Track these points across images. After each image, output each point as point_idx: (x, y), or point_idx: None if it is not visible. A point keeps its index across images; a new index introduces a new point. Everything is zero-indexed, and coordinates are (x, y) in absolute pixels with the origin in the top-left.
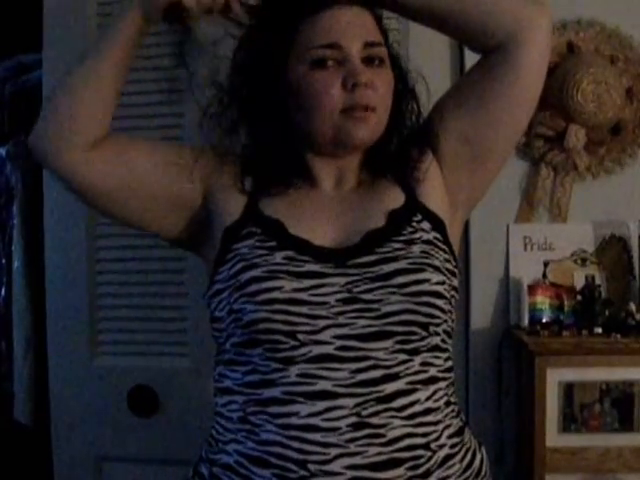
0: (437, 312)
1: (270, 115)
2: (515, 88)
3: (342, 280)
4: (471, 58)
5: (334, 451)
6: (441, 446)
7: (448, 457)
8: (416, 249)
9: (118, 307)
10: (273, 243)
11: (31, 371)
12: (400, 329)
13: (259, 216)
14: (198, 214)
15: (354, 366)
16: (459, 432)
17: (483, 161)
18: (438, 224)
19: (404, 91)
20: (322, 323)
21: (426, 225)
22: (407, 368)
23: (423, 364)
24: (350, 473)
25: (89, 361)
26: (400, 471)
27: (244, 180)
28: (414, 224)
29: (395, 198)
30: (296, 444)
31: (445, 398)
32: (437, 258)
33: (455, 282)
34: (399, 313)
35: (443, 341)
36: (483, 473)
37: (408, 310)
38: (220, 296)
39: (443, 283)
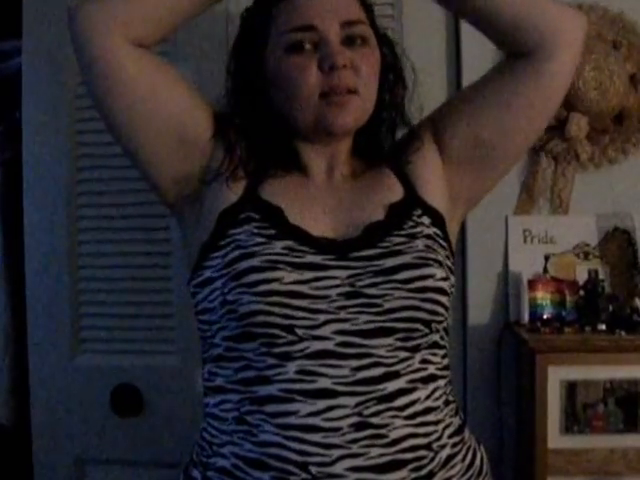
0: (440, 309)
1: (254, 102)
2: (540, 96)
3: (344, 273)
4: (468, 36)
5: (336, 452)
6: (443, 446)
7: (450, 457)
8: (419, 243)
9: (101, 303)
10: (272, 231)
11: (11, 370)
12: (402, 326)
13: (258, 200)
14: (195, 171)
15: (355, 363)
16: (459, 431)
17: (493, 165)
18: (438, 220)
19: (394, 70)
20: (322, 318)
21: (426, 220)
22: (408, 366)
23: (422, 362)
24: (353, 475)
25: (71, 359)
26: (404, 473)
27: (248, 163)
28: (414, 218)
29: (393, 191)
30: (296, 445)
31: (444, 397)
32: (439, 253)
33: (453, 279)
34: (402, 309)
35: (442, 338)
36: (484, 472)
37: (412, 307)
38: (212, 285)
39: (446, 279)
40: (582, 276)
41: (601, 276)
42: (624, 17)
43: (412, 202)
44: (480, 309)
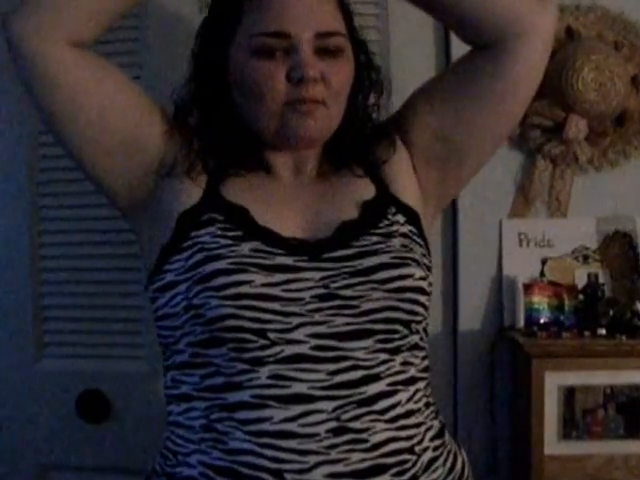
0: (420, 309)
1: (215, 99)
2: (504, 90)
3: (317, 275)
4: (458, 44)
5: (313, 459)
6: (425, 449)
7: (432, 460)
8: (396, 242)
9: (65, 306)
10: (239, 232)
11: None
12: (381, 327)
13: (221, 201)
14: (146, 171)
15: (332, 367)
16: (440, 434)
17: (459, 161)
18: (412, 217)
19: (369, 78)
20: (295, 321)
21: (401, 218)
22: (388, 368)
23: (403, 364)
24: None
25: (34, 364)
26: (386, 478)
27: (207, 160)
28: (389, 217)
29: (365, 189)
30: (270, 452)
31: (425, 399)
32: (416, 252)
33: (431, 278)
34: (381, 310)
35: (421, 339)
36: (466, 476)
37: (390, 307)
38: (174, 289)
39: (425, 278)
40: (581, 280)
41: (601, 280)
42: (625, 18)
43: (385, 200)
44: (472, 314)
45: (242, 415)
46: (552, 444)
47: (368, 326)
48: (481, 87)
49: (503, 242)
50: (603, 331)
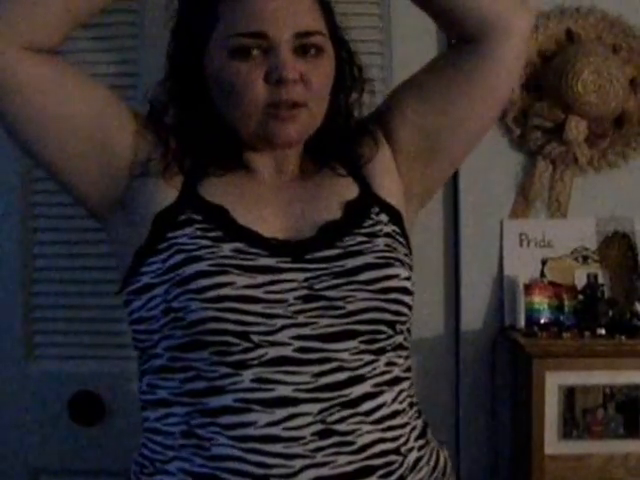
0: (405, 309)
1: (194, 102)
2: (487, 84)
3: (301, 276)
4: None
5: (299, 463)
6: (410, 449)
7: (418, 460)
8: (380, 242)
9: (57, 307)
10: (219, 233)
11: None
12: (366, 328)
13: (199, 200)
14: (118, 173)
15: (316, 369)
16: (424, 433)
17: (441, 157)
18: (395, 216)
19: (351, 76)
20: (279, 323)
21: (384, 217)
22: (373, 369)
23: (388, 364)
24: None
25: (25, 365)
26: (373, 479)
27: (183, 159)
28: (373, 216)
29: (348, 189)
30: (255, 457)
31: (409, 399)
32: (400, 252)
33: (414, 277)
34: (366, 311)
35: (405, 339)
36: (448, 473)
37: (376, 308)
38: (151, 292)
39: (409, 278)
40: (581, 280)
41: (601, 280)
42: (623, 20)
43: (368, 199)
44: (474, 314)
45: (225, 420)
46: (552, 444)
47: (353, 327)
48: (463, 83)
49: (504, 242)
50: (603, 331)
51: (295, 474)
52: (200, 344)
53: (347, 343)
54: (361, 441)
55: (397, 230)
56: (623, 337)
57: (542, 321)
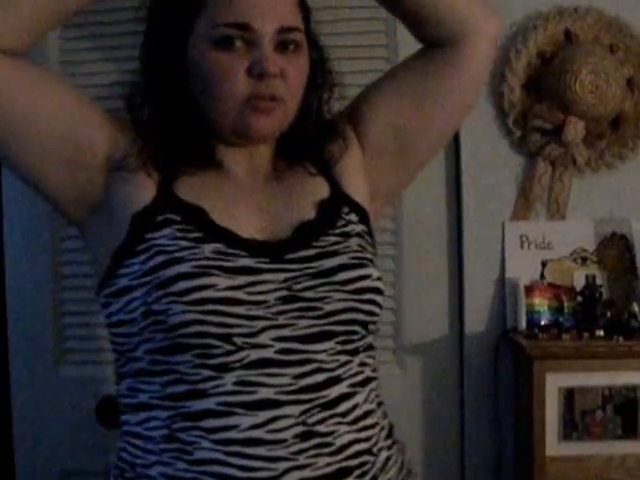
0: (377, 309)
1: (170, 94)
2: (457, 85)
3: (280, 276)
4: None
5: (282, 465)
6: (380, 449)
7: (387, 460)
8: (353, 243)
9: (85, 313)
10: (198, 234)
11: None
12: (342, 329)
13: (176, 201)
14: (94, 174)
15: (297, 371)
16: (391, 433)
17: (409, 157)
18: (363, 216)
19: (322, 76)
20: (260, 324)
21: (354, 217)
22: (348, 370)
23: (360, 364)
24: None
25: (54, 370)
26: None
27: (158, 158)
28: (344, 216)
29: (320, 188)
30: (238, 461)
31: (377, 399)
32: (369, 252)
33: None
34: (342, 312)
35: (374, 339)
36: (413, 472)
37: (351, 309)
38: (130, 295)
39: (380, 278)
40: (579, 282)
41: (599, 282)
42: (620, 20)
43: (339, 199)
44: (477, 316)
45: (208, 424)
46: (553, 445)
47: (330, 328)
48: (434, 84)
49: (506, 244)
50: (601, 332)
51: (279, 477)
52: (182, 347)
53: (325, 344)
54: (339, 442)
55: (365, 229)
56: (621, 338)
57: (542, 323)
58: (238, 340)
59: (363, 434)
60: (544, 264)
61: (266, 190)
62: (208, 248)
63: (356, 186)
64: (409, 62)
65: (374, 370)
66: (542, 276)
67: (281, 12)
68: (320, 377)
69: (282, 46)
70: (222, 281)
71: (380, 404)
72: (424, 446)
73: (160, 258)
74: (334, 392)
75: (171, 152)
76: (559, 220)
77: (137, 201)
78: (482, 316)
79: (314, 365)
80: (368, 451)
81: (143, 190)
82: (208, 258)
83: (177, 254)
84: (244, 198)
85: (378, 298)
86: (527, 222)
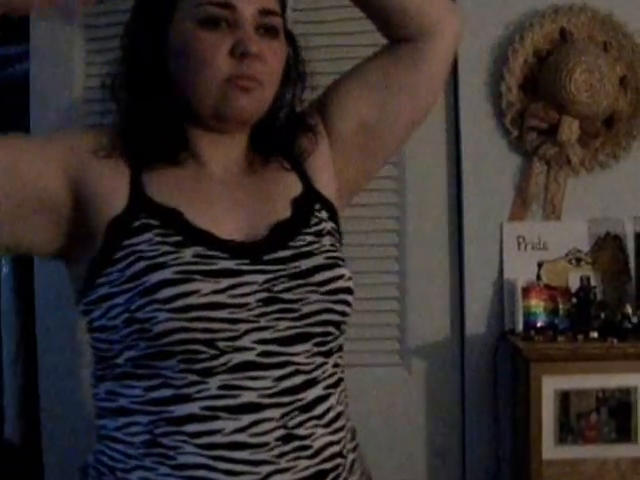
0: (349, 309)
1: (150, 77)
2: (421, 80)
3: (260, 278)
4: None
5: (265, 469)
6: (348, 451)
7: (353, 462)
8: (326, 242)
9: None
10: (178, 238)
11: (21, 382)
12: (318, 330)
13: (150, 204)
14: (69, 213)
15: (277, 373)
16: (354, 436)
17: (375, 152)
18: (332, 213)
19: (295, 68)
20: (243, 327)
21: (324, 214)
22: (323, 372)
23: (334, 366)
24: None
25: (81, 371)
26: None
27: (124, 160)
28: (316, 214)
29: (293, 184)
30: (223, 465)
31: (345, 400)
32: (340, 250)
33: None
34: (318, 313)
35: (343, 340)
36: (368, 473)
37: (327, 309)
38: (110, 302)
39: (351, 278)
40: (574, 283)
41: (593, 283)
42: (613, 18)
43: (311, 196)
44: (477, 318)
45: (192, 428)
46: (550, 449)
47: (307, 329)
48: (402, 79)
49: (504, 245)
50: (595, 334)
51: None
52: (167, 354)
53: (302, 346)
54: (317, 445)
55: (334, 227)
56: (615, 340)
57: (538, 325)
58: (221, 344)
59: (336, 436)
60: (540, 265)
61: (242, 185)
62: (189, 252)
63: (326, 182)
64: (377, 58)
65: (343, 371)
66: (538, 277)
67: None
68: (298, 379)
69: (262, 29)
70: (205, 286)
71: (347, 405)
72: (427, 446)
73: (141, 264)
74: (311, 394)
75: (144, 143)
76: (554, 220)
77: (110, 208)
78: (482, 318)
79: (293, 367)
80: (340, 454)
81: (114, 195)
82: (190, 262)
83: (159, 259)
84: (220, 195)
85: (349, 298)
86: (524, 223)
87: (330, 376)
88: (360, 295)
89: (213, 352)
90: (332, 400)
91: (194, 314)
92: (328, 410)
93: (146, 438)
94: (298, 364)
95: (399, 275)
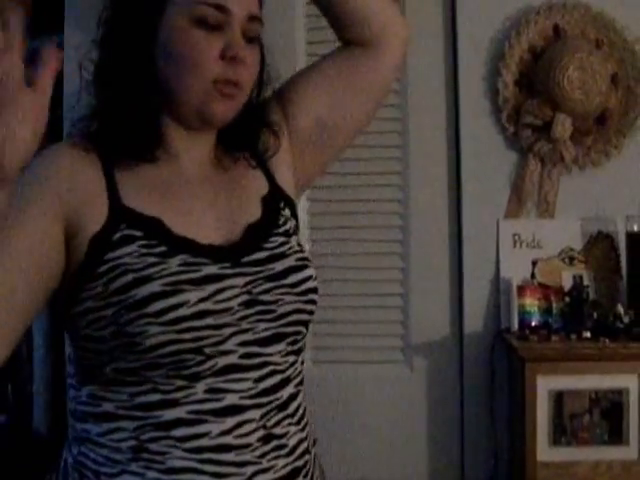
0: (314, 308)
1: (133, 64)
2: (374, 81)
3: (241, 281)
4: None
5: (250, 469)
6: (311, 446)
7: (315, 458)
8: (294, 242)
9: None
10: (163, 248)
11: (51, 372)
12: (291, 330)
13: (130, 214)
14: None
15: (256, 374)
16: (312, 431)
17: (328, 150)
18: (293, 210)
19: (261, 73)
20: (227, 331)
21: (288, 212)
22: (294, 370)
23: (301, 363)
24: None
25: None
26: None
27: (96, 162)
28: (282, 212)
29: (260, 182)
30: (210, 468)
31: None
32: (305, 250)
33: None
34: (291, 313)
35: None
36: (324, 472)
37: (299, 310)
38: (97, 314)
39: (316, 278)
40: (568, 281)
41: (586, 282)
42: (605, 15)
43: (276, 194)
44: (475, 316)
45: (179, 432)
46: (544, 450)
47: (282, 330)
48: (357, 78)
49: (500, 243)
50: (588, 334)
51: None
52: (156, 365)
53: (278, 346)
54: (291, 443)
55: (296, 224)
56: (607, 340)
57: (533, 324)
58: (208, 350)
59: (304, 433)
60: (534, 263)
61: (213, 183)
62: (174, 261)
63: (286, 178)
64: (334, 58)
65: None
66: (533, 276)
67: (252, 1)
68: (275, 379)
69: (246, 35)
70: (193, 295)
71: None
72: (428, 444)
73: (128, 277)
74: (285, 393)
75: (120, 137)
76: (548, 218)
77: (92, 223)
78: (479, 316)
79: (270, 368)
80: (307, 450)
81: (93, 208)
82: (176, 272)
83: (145, 272)
84: (195, 195)
85: (316, 297)
86: (519, 220)
87: (299, 374)
88: (363, 291)
89: (200, 358)
90: (300, 397)
91: (183, 325)
92: (298, 407)
93: (133, 444)
94: (274, 364)
95: (402, 272)
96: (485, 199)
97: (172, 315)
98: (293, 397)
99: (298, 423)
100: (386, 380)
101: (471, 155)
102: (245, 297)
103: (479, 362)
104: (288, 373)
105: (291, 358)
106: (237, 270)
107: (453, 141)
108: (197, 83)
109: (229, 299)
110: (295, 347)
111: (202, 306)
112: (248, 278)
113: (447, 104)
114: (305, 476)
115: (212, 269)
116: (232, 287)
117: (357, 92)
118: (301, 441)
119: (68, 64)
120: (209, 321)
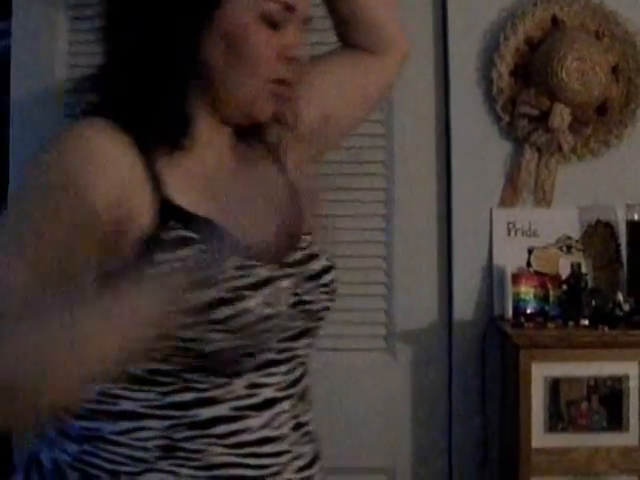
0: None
1: (177, 45)
2: (374, 88)
3: (288, 282)
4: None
5: (285, 458)
6: None
7: None
8: (317, 240)
9: None
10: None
11: None
12: (317, 324)
13: (180, 213)
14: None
15: (286, 367)
16: None
17: (322, 145)
18: None
19: None
20: (276, 331)
21: None
22: (309, 360)
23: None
24: (298, 476)
25: None
26: (318, 465)
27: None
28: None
29: (278, 175)
30: (252, 461)
31: None
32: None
33: None
34: (322, 310)
35: None
36: None
37: (326, 307)
38: None
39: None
40: (565, 270)
41: (584, 270)
42: (605, 7)
43: (291, 187)
44: (465, 304)
45: (219, 430)
46: (539, 437)
47: (310, 324)
48: (361, 79)
49: (493, 231)
50: (586, 322)
51: (284, 470)
52: (201, 368)
53: (305, 340)
54: (312, 429)
55: None
56: (606, 328)
57: (528, 311)
58: (254, 349)
59: (311, 415)
60: (530, 252)
61: (241, 177)
62: (229, 265)
63: (292, 170)
64: (340, 58)
65: None
66: (528, 264)
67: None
68: (299, 371)
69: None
70: (254, 301)
71: None
72: (413, 432)
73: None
74: (305, 383)
75: (157, 123)
76: (544, 207)
77: (138, 217)
78: (470, 304)
79: (297, 360)
80: (315, 432)
81: (139, 202)
82: (234, 277)
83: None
84: (231, 190)
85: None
86: (514, 209)
87: (308, 362)
88: (347, 279)
89: (245, 357)
90: (310, 384)
91: (248, 331)
92: (310, 394)
93: (163, 443)
94: (300, 357)
95: (386, 260)
96: (477, 188)
97: (238, 321)
98: (309, 386)
99: (311, 410)
100: (369, 368)
101: (462, 144)
102: (293, 298)
103: (469, 350)
104: (307, 365)
105: (310, 350)
106: (284, 272)
107: (443, 130)
108: (252, 82)
109: (282, 301)
110: (314, 340)
111: (263, 311)
112: (293, 279)
113: (437, 93)
114: (319, 459)
115: (264, 272)
116: (283, 289)
117: (359, 93)
118: (314, 427)
119: (15, 48)
120: (268, 325)
